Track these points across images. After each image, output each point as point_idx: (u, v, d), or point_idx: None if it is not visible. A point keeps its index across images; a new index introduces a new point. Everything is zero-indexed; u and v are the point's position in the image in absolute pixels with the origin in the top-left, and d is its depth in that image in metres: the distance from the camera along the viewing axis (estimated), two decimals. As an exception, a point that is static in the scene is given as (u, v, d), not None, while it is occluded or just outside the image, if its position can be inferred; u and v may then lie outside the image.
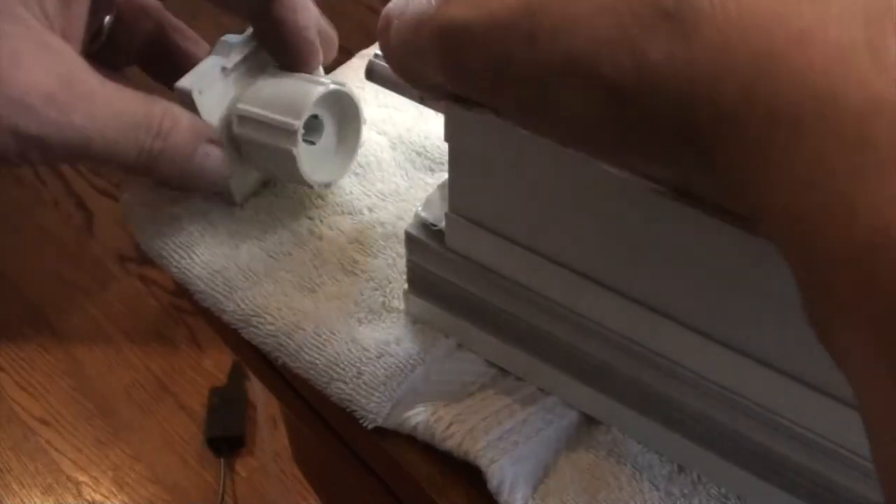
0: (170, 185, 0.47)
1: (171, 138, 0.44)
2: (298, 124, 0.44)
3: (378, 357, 0.43)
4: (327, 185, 0.48)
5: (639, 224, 0.33)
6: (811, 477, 0.36)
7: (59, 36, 0.41)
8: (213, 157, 0.46)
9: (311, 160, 0.46)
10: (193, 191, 0.48)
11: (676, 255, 0.33)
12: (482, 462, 0.39)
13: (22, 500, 1.28)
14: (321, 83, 0.46)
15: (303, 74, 0.47)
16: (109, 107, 0.42)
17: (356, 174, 0.51)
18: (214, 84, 0.46)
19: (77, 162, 0.43)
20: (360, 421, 0.42)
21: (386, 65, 0.42)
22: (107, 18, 0.48)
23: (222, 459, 1.31)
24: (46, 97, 0.39)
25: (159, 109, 0.44)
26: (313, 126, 0.48)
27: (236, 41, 0.46)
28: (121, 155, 0.43)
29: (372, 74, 0.43)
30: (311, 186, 0.47)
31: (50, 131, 0.39)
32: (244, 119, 0.46)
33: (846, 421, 0.33)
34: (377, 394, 0.42)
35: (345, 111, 0.48)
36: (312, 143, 0.48)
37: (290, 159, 0.45)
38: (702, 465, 0.39)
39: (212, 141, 0.46)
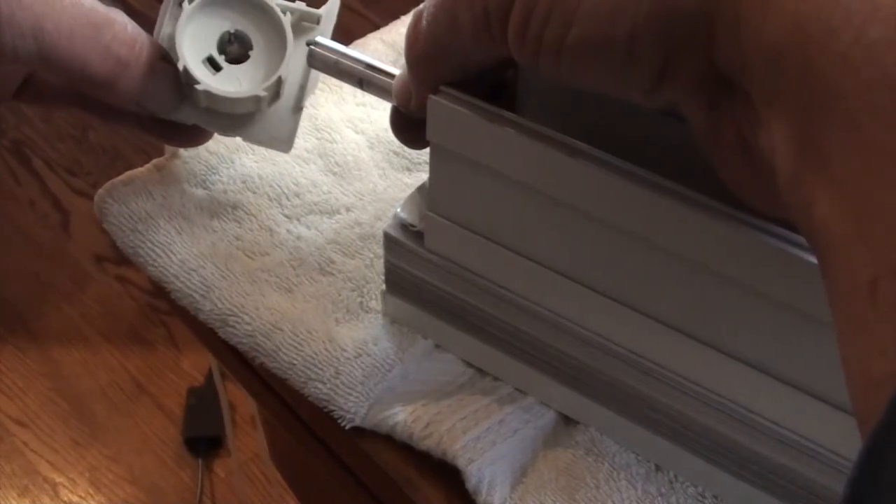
0: (124, 104, 0.44)
1: (138, 46, 0.42)
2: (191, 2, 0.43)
3: (356, 357, 0.42)
4: (227, 98, 0.45)
5: (619, 223, 0.33)
6: (787, 475, 0.36)
7: None
8: (170, 74, 0.44)
9: (203, 46, 0.44)
10: (146, 112, 0.45)
11: (654, 254, 0.33)
12: (460, 462, 0.39)
13: (-2, 502, 1.27)
14: None
15: None
16: None
17: (334, 173, 0.51)
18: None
19: (35, 61, 0.40)
20: (338, 421, 0.42)
21: (325, 52, 0.42)
22: None
23: (200, 460, 1.30)
24: None
25: (122, 18, 0.42)
26: (242, 45, 0.45)
27: None
28: (79, 54, 0.40)
29: (313, 61, 0.43)
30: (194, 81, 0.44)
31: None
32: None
33: (823, 419, 0.33)
34: (355, 394, 0.42)
35: (273, 27, 0.45)
36: (239, 61, 0.45)
37: (173, 35, 0.43)
38: (679, 465, 0.39)
39: (164, 58, 0.44)
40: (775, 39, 0.23)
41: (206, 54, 0.44)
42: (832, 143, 0.22)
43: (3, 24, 0.38)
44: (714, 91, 0.27)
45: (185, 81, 0.44)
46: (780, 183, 0.24)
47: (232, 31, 0.45)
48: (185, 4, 0.43)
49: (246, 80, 0.45)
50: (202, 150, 0.51)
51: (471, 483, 0.39)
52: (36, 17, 0.39)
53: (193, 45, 0.44)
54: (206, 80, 0.44)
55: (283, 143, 0.48)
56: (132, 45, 0.42)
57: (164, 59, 0.44)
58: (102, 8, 0.41)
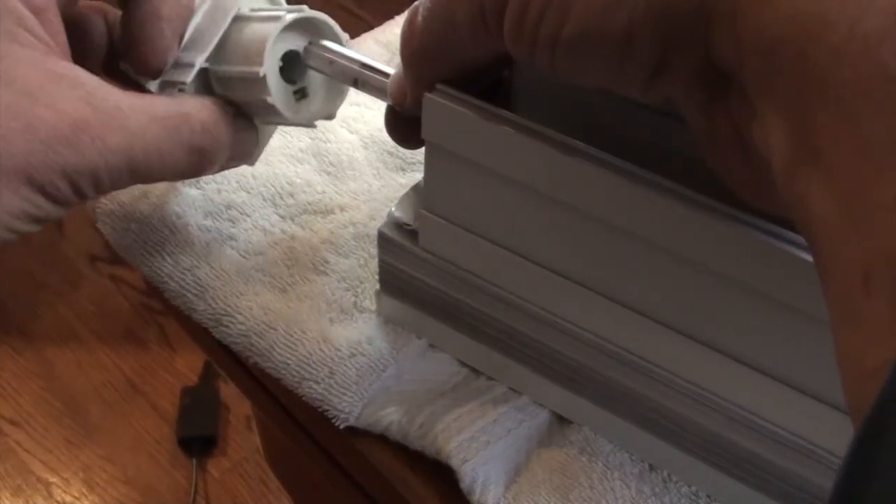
0: (217, 170, 0.44)
1: (214, 128, 0.42)
2: (261, 70, 0.42)
3: (350, 357, 0.42)
4: (312, 122, 0.45)
5: (615, 221, 0.33)
6: (781, 474, 0.36)
7: (57, 55, 0.39)
8: (248, 129, 0.44)
9: (291, 100, 0.44)
10: (238, 165, 0.46)
11: (652, 254, 0.33)
12: (454, 461, 0.39)
13: (-9, 502, 1.27)
14: (276, 17, 0.42)
15: (262, 10, 0.44)
16: (142, 115, 0.39)
17: (328, 173, 0.51)
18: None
19: (132, 184, 0.40)
20: (332, 421, 0.42)
21: (320, 51, 0.42)
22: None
23: (194, 460, 1.30)
24: (75, 126, 0.36)
25: (188, 104, 0.41)
26: (296, 59, 0.44)
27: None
28: (169, 163, 0.40)
29: (308, 60, 0.43)
30: (304, 125, 0.45)
31: (94, 160, 0.37)
32: (217, 79, 0.44)
33: (820, 418, 0.33)
34: (349, 393, 0.41)
35: (324, 37, 0.44)
36: (294, 81, 0.44)
37: (269, 107, 0.43)
38: (673, 464, 0.39)
39: (237, 113, 0.43)
40: (771, 32, 0.23)
41: (293, 88, 0.44)
42: (826, 134, 0.22)
43: (101, 174, 0.38)
44: (711, 86, 0.27)
45: (280, 120, 0.44)
46: (776, 177, 0.24)
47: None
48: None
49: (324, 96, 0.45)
50: (196, 150, 0.51)
51: (465, 483, 0.39)
52: (126, 153, 0.38)
53: (280, 85, 0.43)
54: (305, 110, 0.44)
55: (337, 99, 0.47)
56: (210, 131, 0.42)
57: (238, 116, 0.43)
58: (174, 106, 0.41)
